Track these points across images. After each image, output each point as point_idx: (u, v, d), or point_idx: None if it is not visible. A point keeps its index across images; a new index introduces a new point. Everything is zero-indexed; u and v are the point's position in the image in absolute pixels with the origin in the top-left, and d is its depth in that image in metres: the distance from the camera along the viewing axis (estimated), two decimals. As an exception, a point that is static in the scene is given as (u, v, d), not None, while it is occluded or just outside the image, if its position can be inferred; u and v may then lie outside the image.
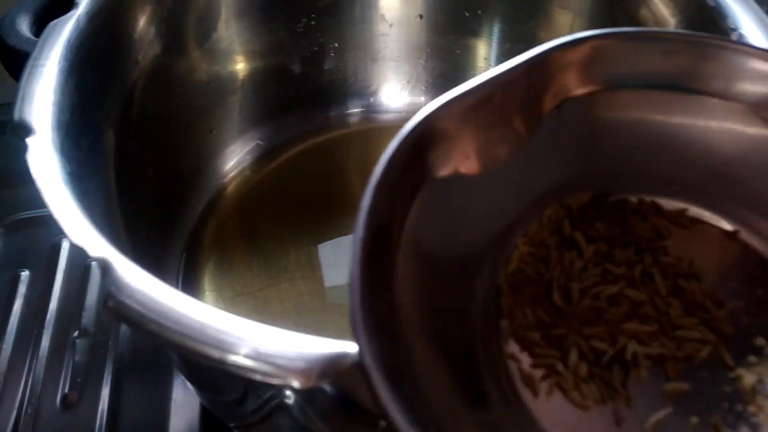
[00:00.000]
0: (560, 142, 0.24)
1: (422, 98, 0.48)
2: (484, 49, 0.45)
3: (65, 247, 0.46)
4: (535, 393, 0.21)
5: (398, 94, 0.49)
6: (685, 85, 0.24)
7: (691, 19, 0.33)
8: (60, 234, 0.46)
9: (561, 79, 0.23)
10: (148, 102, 0.37)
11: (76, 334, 0.42)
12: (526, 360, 0.22)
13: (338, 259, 0.41)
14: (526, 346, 0.22)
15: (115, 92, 0.33)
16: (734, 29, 0.29)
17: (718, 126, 0.24)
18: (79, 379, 0.40)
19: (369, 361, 0.17)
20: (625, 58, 0.24)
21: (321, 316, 0.38)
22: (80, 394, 0.40)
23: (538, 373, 0.22)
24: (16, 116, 0.26)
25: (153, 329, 0.20)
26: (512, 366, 0.22)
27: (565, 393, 0.21)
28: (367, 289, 0.18)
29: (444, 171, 0.22)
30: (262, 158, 0.46)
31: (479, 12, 0.44)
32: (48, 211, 0.44)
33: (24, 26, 0.34)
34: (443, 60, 0.47)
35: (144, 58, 0.36)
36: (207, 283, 0.40)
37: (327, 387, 0.22)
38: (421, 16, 0.45)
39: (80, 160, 0.28)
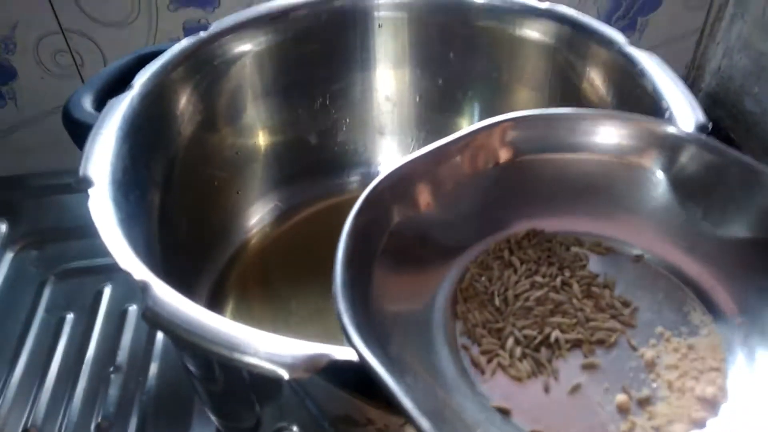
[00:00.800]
0: (497, 190, 0.32)
1: (423, 167, 0.54)
2: (466, 122, 0.51)
3: (107, 293, 0.51)
4: (483, 372, 0.27)
5: (401, 163, 0.54)
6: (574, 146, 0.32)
7: (627, 97, 0.39)
8: (103, 282, 0.52)
9: (489, 147, 0.31)
10: (186, 166, 0.43)
11: (111, 369, 0.46)
12: (475, 349, 0.28)
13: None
14: (474, 339, 0.28)
15: (159, 157, 0.40)
16: (667, 108, 0.35)
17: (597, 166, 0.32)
18: (111, 410, 0.44)
19: (372, 363, 0.21)
20: (531, 132, 0.32)
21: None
22: (111, 423, 0.43)
23: (484, 358, 0.28)
24: (81, 172, 0.32)
25: (180, 333, 0.25)
26: (464, 355, 0.28)
27: (504, 370, 0.27)
28: (349, 303, 0.24)
29: (410, 211, 0.28)
30: (281, 217, 0.52)
31: (469, 93, 0.50)
32: (93, 261, 0.51)
33: (87, 103, 0.40)
34: (439, 134, 0.52)
35: (184, 131, 0.42)
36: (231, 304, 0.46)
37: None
38: (420, 97, 0.52)
39: (128, 210, 0.34)
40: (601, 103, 0.40)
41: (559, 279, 0.30)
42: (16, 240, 0.56)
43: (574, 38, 0.42)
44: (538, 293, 0.30)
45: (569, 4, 0.43)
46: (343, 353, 0.24)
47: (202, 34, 0.43)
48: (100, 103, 0.38)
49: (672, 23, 0.63)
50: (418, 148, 0.54)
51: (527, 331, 0.28)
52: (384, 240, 0.28)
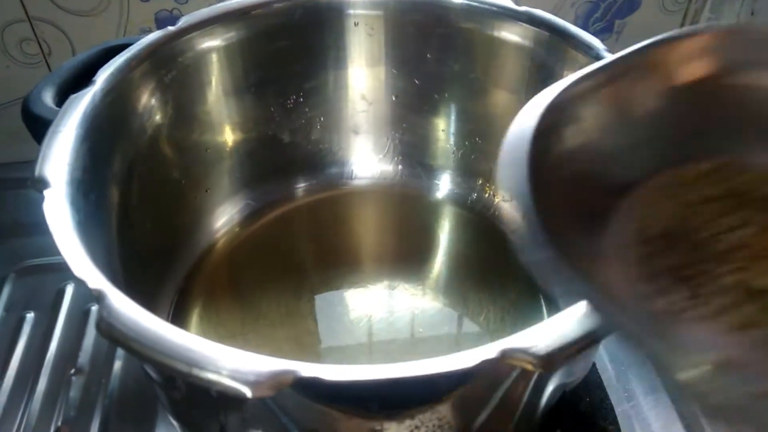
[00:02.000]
0: (690, 115, 0.27)
1: (399, 167, 0.53)
2: (443, 122, 0.51)
3: (69, 292, 0.50)
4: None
5: (374, 163, 0.54)
6: None
7: None
8: (64, 280, 0.51)
9: (687, 59, 0.26)
10: (151, 165, 0.42)
11: (72, 372, 0.45)
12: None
13: (312, 312, 0.45)
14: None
15: (122, 156, 0.38)
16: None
17: None
18: (72, 413, 0.43)
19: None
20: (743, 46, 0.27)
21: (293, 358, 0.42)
22: (71, 427, 0.42)
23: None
24: (36, 172, 0.31)
25: (134, 347, 0.24)
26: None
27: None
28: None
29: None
30: (251, 216, 0.50)
31: (446, 95, 0.49)
32: (55, 258, 0.49)
33: (48, 98, 0.38)
34: (415, 134, 0.52)
35: (149, 129, 0.41)
36: (194, 325, 0.44)
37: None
38: (396, 96, 0.51)
39: (88, 211, 0.33)
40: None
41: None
42: (-26, 234, 0.54)
43: (552, 42, 0.41)
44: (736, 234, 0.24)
45: (547, 5, 0.42)
46: (309, 369, 0.23)
47: (171, 28, 0.41)
48: (63, 98, 0.37)
49: (649, 26, 0.63)
50: (393, 149, 0.55)
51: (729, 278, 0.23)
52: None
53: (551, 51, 0.41)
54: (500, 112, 0.47)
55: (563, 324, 0.24)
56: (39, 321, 0.48)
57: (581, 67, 0.39)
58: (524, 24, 0.42)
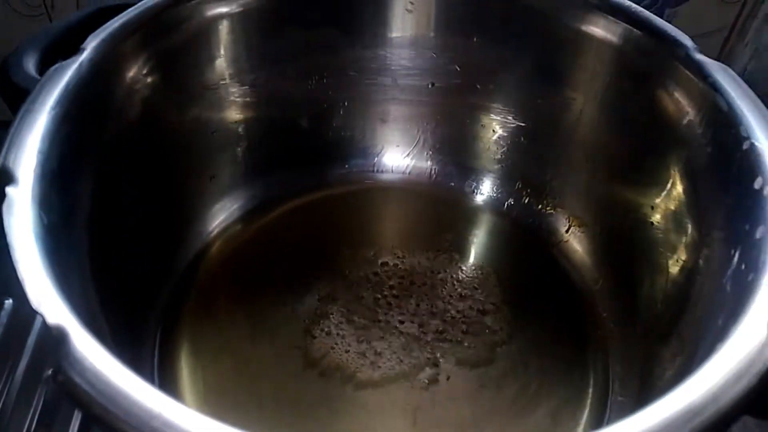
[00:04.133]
0: None
1: (428, 163, 0.48)
2: (493, 121, 0.45)
3: None
4: None
5: (402, 157, 0.48)
6: None
7: (708, 117, 0.32)
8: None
9: None
10: (147, 151, 0.36)
11: (50, 371, 0.41)
12: None
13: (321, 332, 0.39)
14: None
15: (109, 141, 0.33)
16: (746, 138, 0.28)
17: None
18: (46, 421, 0.38)
19: None
20: None
21: (297, 384, 0.36)
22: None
23: None
24: (0, 162, 0.26)
25: (99, 414, 0.19)
26: None
27: None
28: None
29: None
30: (258, 209, 0.45)
31: (491, 86, 0.43)
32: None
33: (30, 64, 0.33)
34: (452, 127, 0.46)
35: (145, 108, 0.35)
36: (187, 335, 0.38)
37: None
38: (432, 84, 0.45)
39: (63, 210, 0.27)
40: (678, 114, 0.34)
41: None
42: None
43: (635, 36, 0.35)
44: None
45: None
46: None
47: (176, -11, 0.35)
48: (47, 65, 0.31)
49: (701, 17, 0.57)
50: (424, 142, 0.49)
51: None
52: None
53: (632, 47, 0.35)
54: (556, 112, 0.40)
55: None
56: (18, 310, 0.42)
57: (670, 68, 0.33)
58: (602, 13, 0.36)
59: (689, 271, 0.33)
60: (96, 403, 0.19)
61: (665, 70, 0.34)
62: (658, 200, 0.36)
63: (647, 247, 0.37)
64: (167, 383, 0.36)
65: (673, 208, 0.35)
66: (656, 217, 0.37)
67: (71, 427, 0.38)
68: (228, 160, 0.44)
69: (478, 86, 0.43)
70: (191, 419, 0.19)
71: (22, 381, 0.40)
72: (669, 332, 0.33)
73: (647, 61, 0.35)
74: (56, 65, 0.30)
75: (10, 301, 0.44)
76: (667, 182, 0.35)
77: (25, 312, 0.42)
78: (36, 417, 0.38)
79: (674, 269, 0.35)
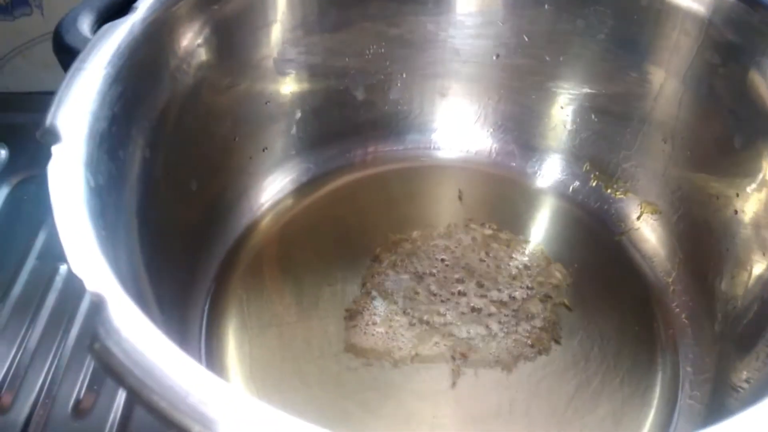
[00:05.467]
0: None
1: (488, 141, 0.45)
2: (561, 96, 0.42)
3: None
4: None
5: (462, 134, 0.46)
6: None
7: None
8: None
9: None
10: (199, 117, 0.35)
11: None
12: None
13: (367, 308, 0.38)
14: None
15: (160, 105, 0.32)
16: None
17: None
18: (95, 387, 0.38)
19: None
20: None
21: (339, 366, 0.35)
22: (94, 400, 0.38)
23: None
24: (48, 121, 0.25)
25: (133, 385, 0.18)
26: None
27: None
28: None
29: None
30: (310, 183, 0.44)
31: (561, 58, 0.41)
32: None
33: (85, 25, 0.32)
34: (516, 103, 0.44)
35: (198, 72, 0.34)
36: (235, 308, 0.38)
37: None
38: (497, 56, 0.42)
39: (112, 172, 0.26)
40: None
41: None
42: (17, 170, 0.50)
43: (727, 5, 0.32)
44: None
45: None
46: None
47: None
48: (101, 27, 0.30)
49: None
50: (486, 118, 0.46)
51: None
52: None
53: (722, 17, 0.32)
54: (632, 88, 0.37)
55: None
56: (72, 276, 0.44)
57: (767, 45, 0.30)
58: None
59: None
60: (131, 374, 0.18)
61: (760, 45, 0.31)
62: (748, 189, 0.33)
63: (729, 238, 0.34)
64: (214, 356, 0.35)
65: (764, 199, 0.32)
66: (741, 207, 0.34)
67: (119, 393, 0.38)
68: (281, 132, 0.43)
69: (547, 58, 0.41)
70: (229, 397, 0.17)
71: (74, 346, 0.40)
72: (752, 335, 0.30)
73: (739, 34, 0.32)
74: (107, 24, 0.30)
75: (66, 266, 0.45)
76: (759, 171, 0.32)
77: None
78: (86, 382, 0.39)
79: (759, 265, 0.32)
